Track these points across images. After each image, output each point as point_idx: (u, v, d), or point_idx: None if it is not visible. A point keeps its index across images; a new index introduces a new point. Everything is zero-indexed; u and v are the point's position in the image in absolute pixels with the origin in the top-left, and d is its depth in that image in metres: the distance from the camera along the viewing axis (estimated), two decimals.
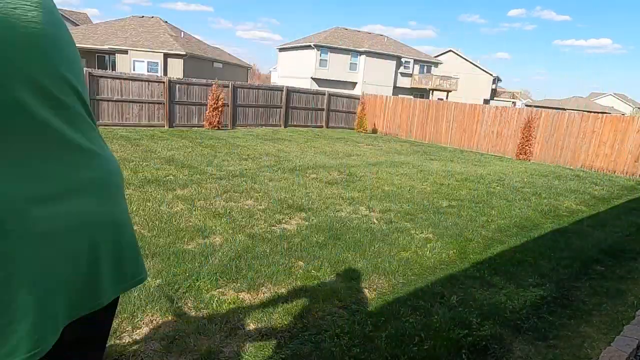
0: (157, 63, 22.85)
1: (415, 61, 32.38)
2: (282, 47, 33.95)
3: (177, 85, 13.06)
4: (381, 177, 7.76)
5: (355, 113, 18.36)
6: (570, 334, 2.81)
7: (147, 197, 5.16)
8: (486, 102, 39.69)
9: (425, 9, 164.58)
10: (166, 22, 27.83)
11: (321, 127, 17.52)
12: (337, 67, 29.51)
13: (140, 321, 2.55)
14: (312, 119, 17.37)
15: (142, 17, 27.53)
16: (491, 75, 41.26)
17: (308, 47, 29.23)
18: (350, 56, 29.76)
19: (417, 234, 4.68)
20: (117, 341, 2.35)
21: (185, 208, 4.86)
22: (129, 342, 2.35)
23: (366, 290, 3.22)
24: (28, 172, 0.72)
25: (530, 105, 50.27)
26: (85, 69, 11.45)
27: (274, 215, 4.88)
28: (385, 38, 33.84)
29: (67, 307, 0.77)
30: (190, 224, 4.35)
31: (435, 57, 36.86)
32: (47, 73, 0.75)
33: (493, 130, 14.10)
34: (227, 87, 14.26)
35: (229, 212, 4.83)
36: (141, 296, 2.79)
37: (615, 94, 61.26)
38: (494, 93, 43.71)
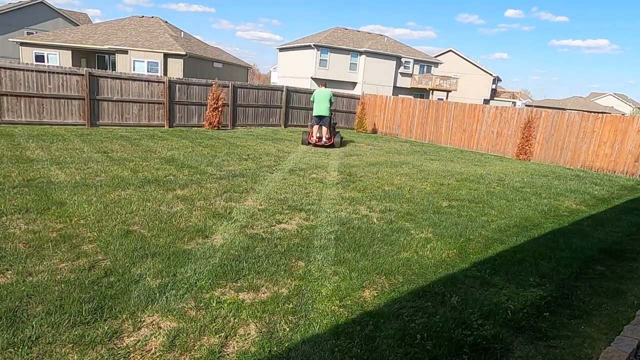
0: (157, 63, 22.84)
1: (415, 61, 32.39)
2: (282, 47, 33.95)
3: (177, 85, 13.06)
4: (381, 177, 7.76)
5: (355, 113, 18.36)
6: (570, 334, 2.81)
7: (147, 197, 5.16)
8: (486, 102, 39.69)
9: (423, 10, 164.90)
10: (166, 22, 27.83)
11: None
12: (337, 67, 29.52)
13: (141, 321, 2.55)
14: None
15: (142, 17, 27.54)
16: (491, 75, 41.26)
17: (308, 47, 29.23)
18: (350, 56, 29.77)
19: (417, 234, 4.68)
20: (117, 341, 2.35)
21: (185, 208, 4.86)
22: (129, 342, 2.36)
23: (367, 290, 3.22)
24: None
25: (530, 105, 50.29)
26: (85, 68, 11.45)
27: (274, 216, 4.88)
28: (385, 38, 33.84)
29: None
30: (190, 224, 4.35)
31: (435, 57, 36.86)
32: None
33: (493, 130, 14.10)
34: (227, 87, 14.26)
35: (229, 212, 4.83)
36: (141, 296, 2.80)
37: (615, 94, 61.32)
38: (494, 93, 43.71)
